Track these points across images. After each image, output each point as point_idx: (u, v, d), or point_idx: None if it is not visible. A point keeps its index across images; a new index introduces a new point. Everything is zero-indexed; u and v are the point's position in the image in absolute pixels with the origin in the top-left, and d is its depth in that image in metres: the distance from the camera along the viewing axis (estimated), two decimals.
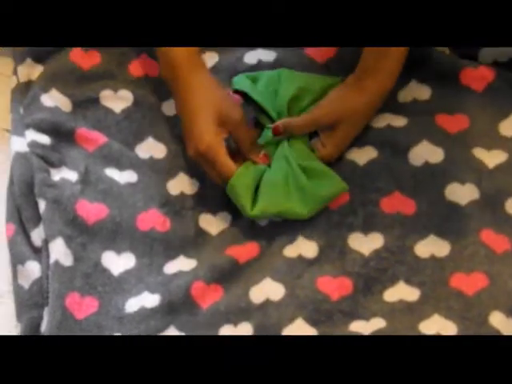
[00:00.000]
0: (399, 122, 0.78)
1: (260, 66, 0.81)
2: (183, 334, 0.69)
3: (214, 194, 0.77)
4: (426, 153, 0.76)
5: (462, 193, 0.74)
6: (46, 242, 0.73)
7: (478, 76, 0.80)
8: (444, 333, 0.66)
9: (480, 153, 0.77)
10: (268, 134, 0.76)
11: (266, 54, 0.82)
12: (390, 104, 0.80)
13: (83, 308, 0.70)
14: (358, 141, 0.77)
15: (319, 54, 0.81)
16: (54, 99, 0.81)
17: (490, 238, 0.72)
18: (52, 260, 0.72)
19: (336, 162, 0.76)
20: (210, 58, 0.83)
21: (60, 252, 0.72)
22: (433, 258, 0.71)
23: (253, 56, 0.82)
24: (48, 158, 0.77)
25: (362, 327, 0.68)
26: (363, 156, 0.76)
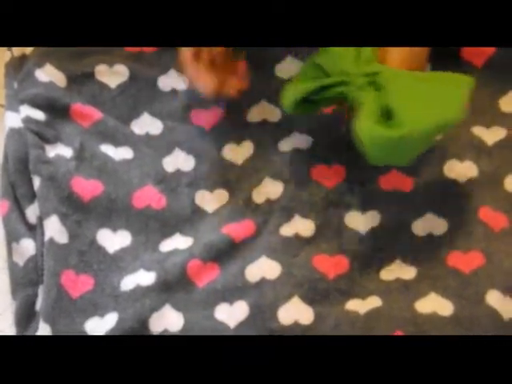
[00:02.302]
0: None
1: None
2: (179, 312, 0.69)
3: (210, 170, 0.76)
4: None
5: (461, 170, 0.74)
6: (41, 219, 0.73)
7: (478, 51, 0.79)
8: (440, 312, 0.66)
9: (479, 130, 0.76)
10: (357, 80, 0.68)
11: None
12: None
13: (78, 286, 0.70)
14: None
15: None
16: (48, 74, 0.80)
17: (488, 215, 0.71)
18: (47, 237, 0.72)
19: (334, 137, 0.75)
20: None
21: (55, 229, 0.72)
22: (430, 236, 0.71)
23: None
24: (43, 134, 0.77)
25: (358, 306, 0.67)
26: None
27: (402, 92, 0.65)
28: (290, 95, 0.70)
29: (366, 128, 0.65)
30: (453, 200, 0.72)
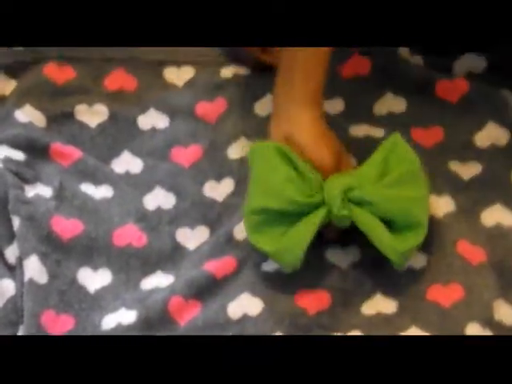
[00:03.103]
0: (377, 132, 0.79)
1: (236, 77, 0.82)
2: None
3: (191, 208, 0.76)
4: None
5: (439, 205, 0.75)
6: (21, 259, 0.72)
7: (453, 88, 0.81)
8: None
9: (455, 165, 0.77)
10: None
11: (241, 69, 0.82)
12: (366, 116, 0.81)
13: (59, 326, 0.69)
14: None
15: None
16: (28, 115, 0.80)
17: (466, 249, 0.72)
18: (26, 278, 0.71)
19: None
20: (186, 72, 0.84)
21: (35, 269, 0.71)
22: (410, 269, 0.71)
23: (228, 71, 0.83)
24: (22, 175, 0.77)
25: None
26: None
27: (388, 201, 0.68)
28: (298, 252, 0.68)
29: (395, 247, 0.67)
30: (431, 234, 0.73)
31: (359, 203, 0.68)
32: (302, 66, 0.70)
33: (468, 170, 0.77)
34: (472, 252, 0.72)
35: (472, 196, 0.75)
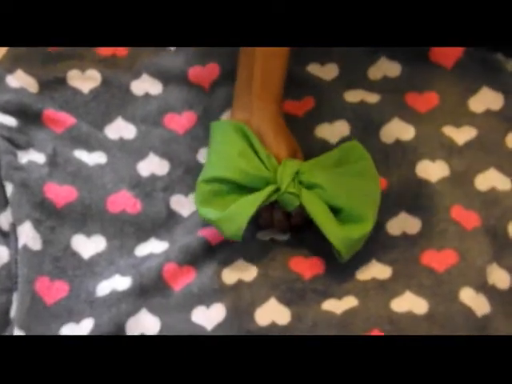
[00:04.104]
0: (372, 98, 0.79)
1: None
2: (155, 316, 0.68)
3: (185, 175, 0.76)
4: (397, 130, 0.77)
5: (433, 170, 0.75)
6: (14, 225, 0.72)
7: (447, 52, 0.81)
8: (415, 310, 0.67)
9: (449, 130, 0.77)
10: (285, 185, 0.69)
11: None
12: (361, 81, 0.80)
13: (53, 292, 0.69)
14: (331, 115, 0.77)
15: None
16: (20, 80, 0.80)
17: (460, 214, 0.72)
18: (20, 244, 0.71)
19: (307, 141, 0.76)
20: None
21: (28, 236, 0.71)
22: (404, 235, 0.72)
23: None
24: (15, 140, 0.76)
25: (335, 306, 0.68)
26: (335, 133, 0.76)
27: (337, 188, 0.69)
28: (238, 223, 0.67)
29: (338, 233, 0.67)
30: (426, 199, 0.73)
31: (309, 187, 0.69)
32: (262, 62, 0.72)
33: (462, 135, 0.77)
34: (466, 217, 0.72)
35: (466, 161, 0.75)
